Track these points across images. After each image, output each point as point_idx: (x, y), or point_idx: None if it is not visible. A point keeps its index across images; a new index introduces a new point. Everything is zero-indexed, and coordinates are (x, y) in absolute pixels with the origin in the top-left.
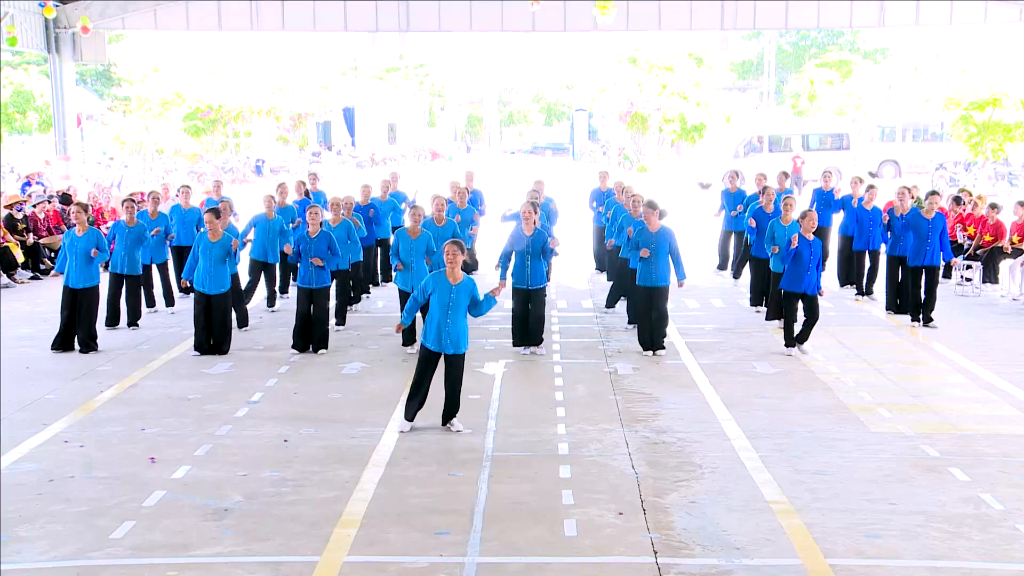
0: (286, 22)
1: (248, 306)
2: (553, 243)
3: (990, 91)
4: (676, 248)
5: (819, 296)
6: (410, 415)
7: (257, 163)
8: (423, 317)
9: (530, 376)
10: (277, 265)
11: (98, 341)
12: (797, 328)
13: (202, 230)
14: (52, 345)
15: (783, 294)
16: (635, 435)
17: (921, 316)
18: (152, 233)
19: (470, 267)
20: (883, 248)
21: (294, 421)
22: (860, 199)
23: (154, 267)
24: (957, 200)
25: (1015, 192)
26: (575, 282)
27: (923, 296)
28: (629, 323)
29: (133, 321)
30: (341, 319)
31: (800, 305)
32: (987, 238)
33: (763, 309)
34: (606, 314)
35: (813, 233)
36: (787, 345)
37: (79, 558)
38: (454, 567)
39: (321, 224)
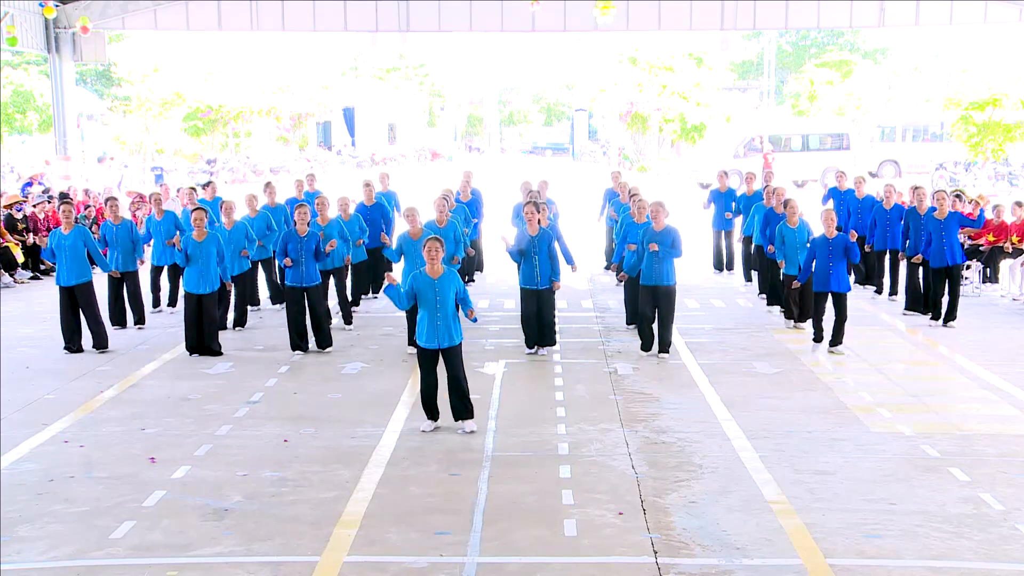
0: (286, 22)
1: (250, 306)
2: (556, 285)
3: (990, 91)
4: (680, 248)
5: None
6: (432, 415)
7: (155, 171)
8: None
9: (530, 376)
10: (273, 261)
11: (107, 338)
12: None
13: (188, 233)
14: (64, 345)
15: (814, 295)
16: (635, 435)
17: (943, 316)
18: (169, 242)
19: (471, 267)
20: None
21: (294, 421)
22: (867, 197)
23: (164, 268)
24: (958, 197)
25: (1015, 192)
26: (575, 282)
27: (946, 296)
28: (628, 323)
29: (139, 320)
30: (347, 319)
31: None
32: (990, 238)
33: (773, 309)
34: (606, 314)
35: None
36: (815, 340)
37: (79, 558)
38: (454, 567)
39: (309, 224)
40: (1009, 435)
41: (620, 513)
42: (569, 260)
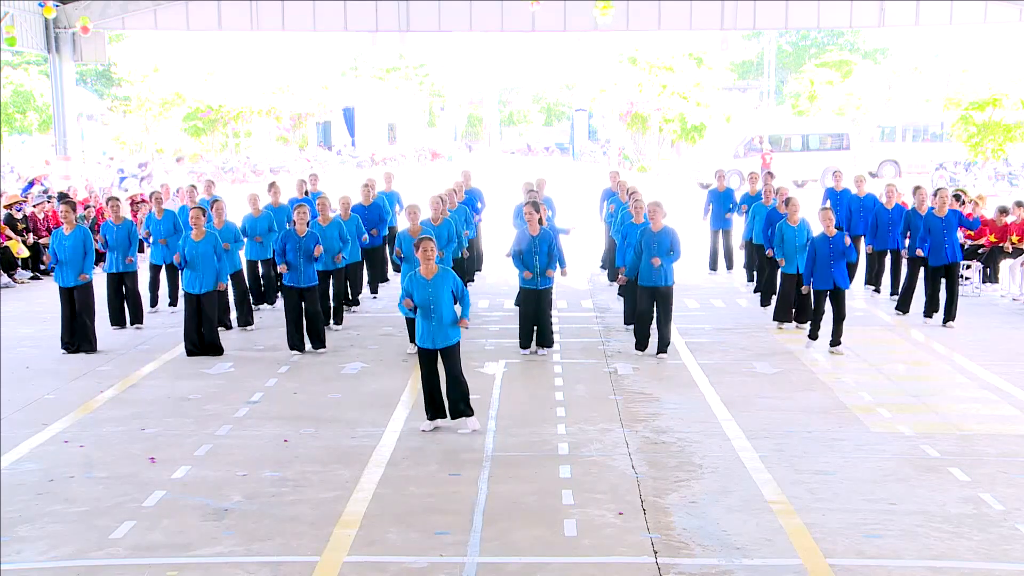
0: (286, 22)
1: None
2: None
3: (990, 91)
4: (678, 249)
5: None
6: (431, 414)
7: (120, 174)
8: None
9: (530, 376)
10: (271, 262)
11: (96, 343)
12: (823, 327)
13: (186, 233)
14: (62, 344)
15: (814, 293)
16: (635, 435)
17: (943, 315)
18: (162, 241)
19: (471, 266)
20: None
21: (294, 421)
22: (868, 196)
23: (163, 267)
24: (957, 198)
25: (1015, 192)
26: (575, 282)
27: (944, 295)
28: (626, 324)
29: (136, 320)
30: (338, 319)
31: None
32: (991, 238)
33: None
34: (606, 314)
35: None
36: (811, 337)
37: (79, 558)
38: (454, 567)
39: (308, 224)
40: (1009, 435)
41: (620, 513)
42: (562, 263)
